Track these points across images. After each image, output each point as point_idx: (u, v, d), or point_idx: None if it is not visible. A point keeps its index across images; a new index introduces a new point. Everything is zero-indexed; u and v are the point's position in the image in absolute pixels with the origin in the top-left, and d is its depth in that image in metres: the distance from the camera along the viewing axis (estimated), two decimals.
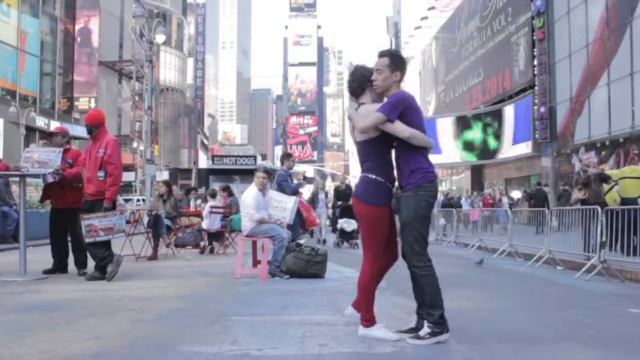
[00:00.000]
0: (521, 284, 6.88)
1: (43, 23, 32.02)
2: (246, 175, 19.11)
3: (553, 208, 12.07)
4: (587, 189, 8.87)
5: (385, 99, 3.49)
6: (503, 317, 4.53)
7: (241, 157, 28.35)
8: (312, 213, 11.91)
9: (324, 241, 12.61)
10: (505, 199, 22.15)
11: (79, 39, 36.47)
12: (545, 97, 25.92)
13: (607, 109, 21.28)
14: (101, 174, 6.02)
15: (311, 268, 6.49)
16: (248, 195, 6.65)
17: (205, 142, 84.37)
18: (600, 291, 6.22)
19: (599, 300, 5.68)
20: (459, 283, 6.49)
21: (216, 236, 10.34)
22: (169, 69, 63.28)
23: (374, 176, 3.46)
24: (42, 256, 7.02)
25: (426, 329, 3.36)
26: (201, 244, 10.49)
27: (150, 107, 20.79)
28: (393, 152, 3.54)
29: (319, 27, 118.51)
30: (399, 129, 3.35)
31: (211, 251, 10.22)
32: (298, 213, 8.61)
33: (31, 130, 28.76)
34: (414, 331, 3.45)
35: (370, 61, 3.68)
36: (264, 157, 49.13)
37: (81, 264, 6.50)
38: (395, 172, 3.54)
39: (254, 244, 7.07)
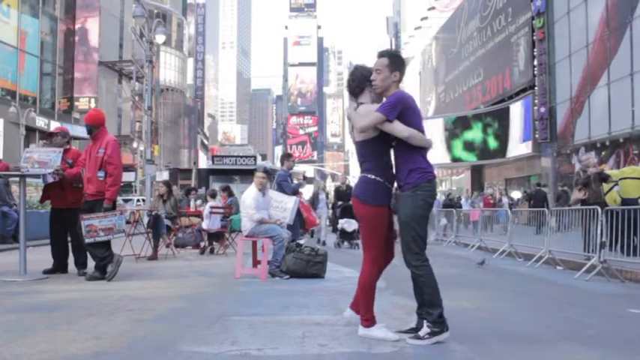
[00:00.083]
0: (521, 284, 6.88)
1: (43, 23, 32.03)
2: (246, 175, 19.12)
3: (553, 208, 12.06)
4: (587, 189, 8.87)
5: (384, 99, 3.50)
6: (504, 317, 4.53)
7: (241, 157, 28.31)
8: (312, 213, 11.92)
9: (324, 243, 12.61)
10: (505, 199, 22.14)
11: (78, 39, 36.49)
12: (545, 98, 25.91)
13: (607, 110, 21.27)
14: (101, 174, 6.02)
15: (311, 268, 6.49)
16: (248, 195, 6.65)
17: (205, 142, 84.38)
18: (600, 291, 6.22)
19: (599, 300, 5.68)
20: (459, 283, 6.49)
21: (216, 236, 10.34)
22: (169, 69, 63.29)
23: (373, 176, 3.46)
24: (42, 256, 7.02)
25: (425, 329, 3.36)
26: (202, 244, 10.49)
27: (150, 107, 20.78)
28: (392, 152, 3.55)
29: (319, 27, 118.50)
30: (398, 129, 3.36)
31: (211, 251, 10.23)
32: (298, 213, 8.62)
33: (31, 131, 28.77)
34: (415, 331, 3.45)
35: (370, 61, 3.69)
36: (264, 158, 49.11)
37: (81, 264, 6.50)
38: (394, 171, 3.54)
39: (254, 244, 7.07)
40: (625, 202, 8.69)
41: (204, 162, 52.64)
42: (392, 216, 3.57)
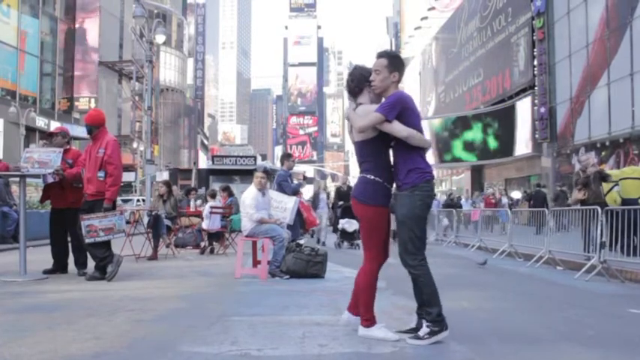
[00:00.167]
0: (521, 284, 6.88)
1: (43, 23, 32.04)
2: (246, 175, 19.10)
3: (552, 208, 12.07)
4: (586, 189, 8.87)
5: (383, 99, 3.51)
6: (504, 318, 4.53)
7: (241, 157, 28.32)
8: (312, 213, 11.91)
9: (324, 243, 12.61)
10: (505, 200, 22.14)
11: (78, 39, 36.50)
12: (545, 98, 25.91)
13: (607, 110, 21.28)
14: (101, 174, 6.02)
15: (311, 268, 6.49)
16: (247, 195, 6.65)
17: (205, 142, 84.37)
18: (600, 291, 6.22)
19: (599, 300, 5.68)
20: (459, 283, 6.49)
21: (216, 236, 10.34)
22: (169, 69, 63.28)
23: (372, 177, 3.47)
24: (42, 256, 7.02)
25: (424, 329, 3.37)
26: (202, 244, 10.49)
27: (150, 107, 20.77)
28: (391, 152, 3.55)
29: (319, 27, 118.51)
30: (397, 129, 3.36)
31: (211, 251, 10.23)
32: (298, 213, 8.61)
33: (31, 131, 28.78)
34: (415, 331, 3.45)
35: (370, 61, 3.69)
36: (264, 158, 49.13)
37: (81, 264, 6.50)
38: (392, 172, 3.55)
39: (254, 244, 7.07)
40: (625, 202, 8.69)
41: (204, 162, 52.64)
42: (389, 216, 3.57)
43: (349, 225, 11.91)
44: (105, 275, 5.97)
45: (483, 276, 7.64)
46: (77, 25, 36.43)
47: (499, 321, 4.36)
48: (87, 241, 5.94)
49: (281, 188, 8.11)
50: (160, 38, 19.42)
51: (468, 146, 33.81)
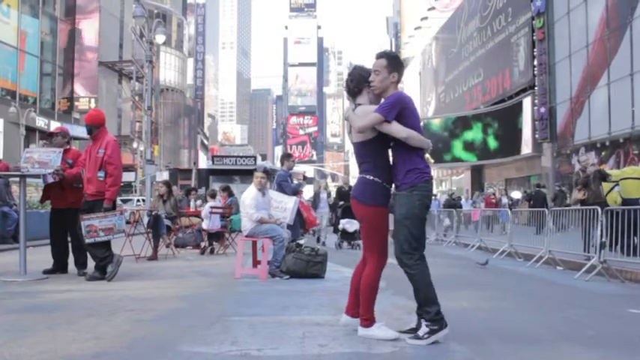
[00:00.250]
0: (521, 284, 6.88)
1: (43, 24, 32.03)
2: (246, 175, 19.09)
3: (551, 208, 12.07)
4: (586, 189, 8.87)
5: (382, 100, 3.51)
6: (503, 318, 4.53)
7: (241, 157, 28.33)
8: (312, 213, 11.91)
9: (324, 243, 12.60)
10: (505, 200, 22.16)
11: (79, 39, 36.49)
12: (545, 98, 25.92)
13: (607, 110, 21.29)
14: (101, 174, 6.02)
15: (311, 268, 6.49)
16: (247, 195, 6.65)
17: (205, 142, 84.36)
18: (600, 291, 6.22)
19: (599, 300, 5.68)
20: (459, 283, 6.50)
21: (216, 236, 10.34)
22: (169, 69, 63.28)
23: (371, 177, 3.48)
24: (42, 256, 7.03)
25: (424, 328, 3.37)
26: (202, 244, 10.49)
27: (150, 107, 20.77)
28: (390, 153, 3.55)
29: (319, 27, 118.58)
30: (396, 129, 3.37)
31: (211, 251, 10.22)
32: (298, 213, 8.61)
33: (31, 131, 28.77)
34: (415, 331, 3.45)
35: (370, 61, 3.70)
36: (264, 158, 49.13)
37: (81, 264, 6.50)
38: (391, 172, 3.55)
39: (254, 244, 7.07)
40: (626, 202, 8.70)
41: (204, 162, 52.64)
42: (389, 216, 3.58)
43: (350, 225, 11.90)
44: (105, 275, 5.97)
45: (483, 276, 7.64)
46: (77, 25, 36.41)
47: (499, 321, 4.36)
48: (87, 241, 5.94)
49: (281, 188, 8.11)
50: (159, 38, 19.42)
51: (468, 146, 33.83)
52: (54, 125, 26.93)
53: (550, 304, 5.40)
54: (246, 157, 28.81)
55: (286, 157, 9.20)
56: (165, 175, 26.29)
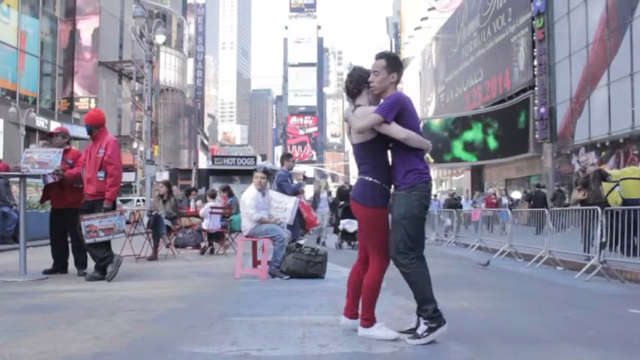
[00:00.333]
0: (521, 285, 6.88)
1: (43, 24, 32.03)
2: (246, 175, 19.11)
3: (551, 209, 12.08)
4: (586, 189, 8.87)
5: (382, 101, 3.51)
6: (503, 318, 4.53)
7: (241, 157, 28.35)
8: (312, 213, 11.90)
9: (324, 243, 12.59)
10: (505, 200, 22.16)
11: (79, 39, 36.49)
12: (545, 98, 25.92)
13: (607, 110, 21.29)
14: (101, 174, 6.02)
15: (311, 268, 6.49)
16: (247, 195, 6.65)
17: (205, 142, 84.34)
18: (600, 291, 6.22)
19: (599, 300, 5.68)
20: (459, 283, 6.50)
21: (216, 237, 10.34)
22: (169, 69, 63.27)
23: (370, 179, 3.48)
24: (42, 256, 7.03)
25: (422, 326, 3.37)
26: (202, 244, 10.49)
27: (150, 108, 20.77)
28: (389, 153, 3.56)
29: (319, 27, 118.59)
30: (396, 130, 3.37)
31: (211, 252, 10.23)
32: (298, 213, 8.61)
33: (31, 131, 28.78)
34: (414, 331, 3.45)
35: (370, 61, 3.70)
36: (264, 158, 49.11)
37: (81, 264, 6.50)
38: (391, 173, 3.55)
39: (254, 244, 7.07)
40: (626, 202, 8.68)
41: (204, 162, 52.65)
42: (388, 216, 3.58)
43: (350, 225, 11.89)
44: (105, 275, 5.98)
45: (483, 276, 7.64)
46: (77, 26, 36.42)
47: (499, 321, 4.36)
48: (87, 241, 5.94)
49: (281, 188, 8.11)
50: (159, 38, 19.42)
51: (468, 146, 33.84)
52: (54, 125, 26.95)
53: (550, 304, 5.40)
54: (246, 157, 28.82)
55: (286, 157, 9.20)
56: (165, 176, 26.30)
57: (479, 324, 4.13)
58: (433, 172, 42.03)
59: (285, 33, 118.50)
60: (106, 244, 6.07)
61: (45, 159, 6.20)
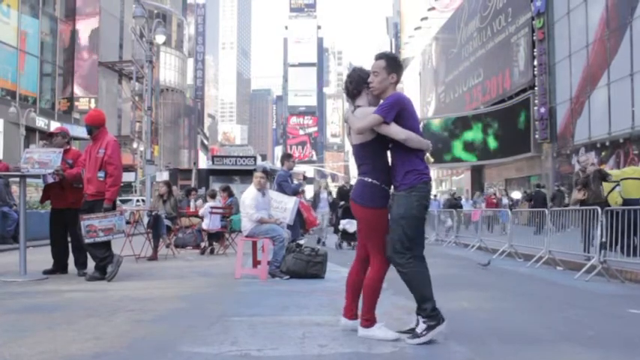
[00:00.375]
0: (521, 285, 6.88)
1: (43, 24, 32.03)
2: (246, 175, 19.08)
3: (551, 209, 12.07)
4: (586, 189, 8.86)
5: (381, 101, 3.51)
6: (504, 318, 4.53)
7: (241, 157, 28.35)
8: (312, 213, 11.89)
9: (324, 243, 12.59)
10: (505, 200, 22.16)
11: (79, 39, 36.48)
12: (545, 98, 25.92)
13: (607, 110, 21.29)
14: (101, 174, 6.02)
15: (311, 268, 6.49)
16: (247, 195, 6.65)
17: (205, 142, 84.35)
18: (600, 291, 6.22)
19: (599, 301, 5.67)
20: (459, 283, 6.50)
21: (216, 237, 10.34)
22: (169, 69, 63.27)
23: (370, 180, 3.48)
24: (42, 256, 7.02)
25: (421, 325, 3.38)
26: (202, 244, 10.49)
27: (150, 108, 20.77)
28: (389, 154, 3.56)
29: (319, 27, 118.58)
30: (395, 131, 3.37)
31: (211, 252, 10.23)
32: (298, 213, 8.61)
33: (31, 131, 28.77)
34: (414, 331, 3.45)
35: (370, 62, 3.71)
36: (264, 158, 49.14)
37: (81, 264, 6.50)
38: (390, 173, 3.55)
39: (254, 244, 7.07)
40: (627, 202, 8.68)
41: (204, 162, 52.64)
42: (388, 217, 3.58)
43: (350, 225, 11.88)
44: (105, 275, 5.98)
45: (483, 276, 7.64)
46: (77, 26, 36.40)
47: (499, 321, 4.36)
48: (86, 241, 5.94)
49: (281, 188, 8.11)
50: (159, 38, 19.43)
51: (468, 146, 33.84)
52: (54, 125, 26.93)
53: (550, 304, 5.40)
54: (246, 157, 28.84)
55: (286, 157, 9.20)
56: (165, 176, 26.26)
57: (479, 324, 4.13)
58: (433, 172, 42.06)
59: (285, 33, 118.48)
60: (106, 244, 6.07)
61: (45, 159, 6.20)
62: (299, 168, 45.40)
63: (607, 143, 21.25)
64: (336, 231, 12.80)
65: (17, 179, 6.98)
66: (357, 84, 3.59)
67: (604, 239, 7.28)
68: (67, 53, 34.96)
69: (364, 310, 3.50)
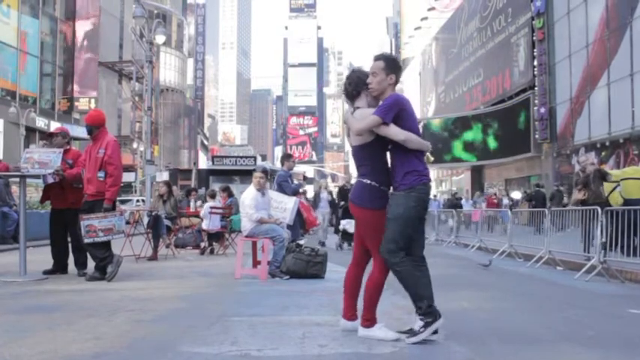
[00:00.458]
0: (522, 285, 6.89)
1: (43, 24, 32.02)
2: (246, 175, 19.07)
3: (551, 209, 12.07)
4: (586, 189, 8.86)
5: (380, 102, 3.52)
6: (504, 318, 4.53)
7: (241, 157, 28.38)
8: (312, 213, 11.88)
9: (324, 243, 12.59)
10: (505, 200, 22.16)
11: (78, 39, 36.48)
12: (545, 98, 25.92)
13: (607, 110, 21.28)
14: (101, 174, 6.02)
15: (311, 268, 6.49)
16: (247, 195, 6.65)
17: (205, 142, 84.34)
18: (600, 292, 6.22)
19: (599, 301, 5.68)
20: (459, 283, 6.50)
21: (216, 237, 10.34)
22: (169, 69, 63.25)
23: (369, 181, 3.48)
24: (42, 256, 7.02)
25: (418, 322, 3.38)
26: (202, 244, 10.49)
27: (150, 108, 20.77)
28: (388, 155, 3.56)
29: (319, 28, 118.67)
30: (394, 132, 3.37)
31: (211, 252, 10.23)
32: (298, 213, 8.60)
33: (31, 131, 28.76)
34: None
35: (370, 62, 3.71)
36: (264, 158, 49.15)
37: (81, 264, 6.50)
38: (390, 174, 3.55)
39: (254, 244, 7.07)
40: (627, 202, 8.67)
41: (204, 162, 52.68)
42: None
43: (350, 226, 11.86)
44: (105, 275, 5.98)
45: (483, 276, 7.64)
46: (77, 26, 36.40)
47: (499, 321, 4.36)
48: (86, 241, 5.94)
49: (281, 188, 8.11)
50: (159, 38, 19.44)
51: (468, 146, 33.84)
52: (54, 125, 26.94)
53: (550, 304, 5.41)
54: (246, 157, 28.87)
55: (286, 157, 9.20)
56: (165, 176, 26.26)
57: (479, 324, 4.13)
58: (433, 173, 42.06)
59: (285, 33, 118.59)
60: (106, 245, 6.07)
61: (45, 159, 6.20)
62: (299, 168, 45.43)
63: (607, 143, 21.25)
64: (337, 231, 12.79)
65: (17, 179, 6.97)
66: (356, 85, 3.59)
67: (604, 239, 7.27)
68: (67, 53, 34.95)
69: (365, 311, 3.50)
